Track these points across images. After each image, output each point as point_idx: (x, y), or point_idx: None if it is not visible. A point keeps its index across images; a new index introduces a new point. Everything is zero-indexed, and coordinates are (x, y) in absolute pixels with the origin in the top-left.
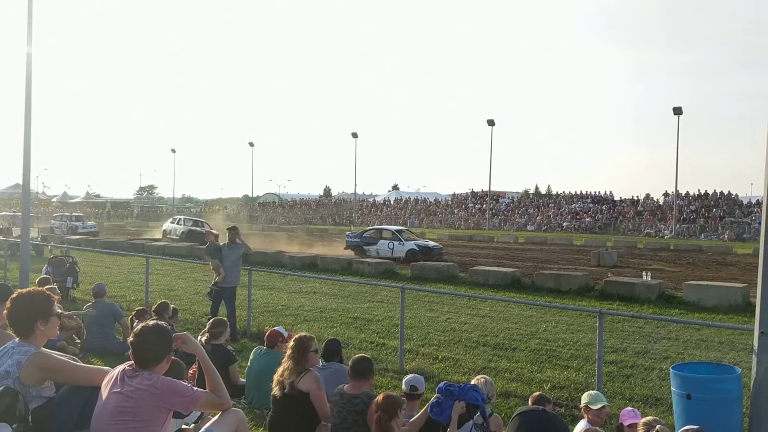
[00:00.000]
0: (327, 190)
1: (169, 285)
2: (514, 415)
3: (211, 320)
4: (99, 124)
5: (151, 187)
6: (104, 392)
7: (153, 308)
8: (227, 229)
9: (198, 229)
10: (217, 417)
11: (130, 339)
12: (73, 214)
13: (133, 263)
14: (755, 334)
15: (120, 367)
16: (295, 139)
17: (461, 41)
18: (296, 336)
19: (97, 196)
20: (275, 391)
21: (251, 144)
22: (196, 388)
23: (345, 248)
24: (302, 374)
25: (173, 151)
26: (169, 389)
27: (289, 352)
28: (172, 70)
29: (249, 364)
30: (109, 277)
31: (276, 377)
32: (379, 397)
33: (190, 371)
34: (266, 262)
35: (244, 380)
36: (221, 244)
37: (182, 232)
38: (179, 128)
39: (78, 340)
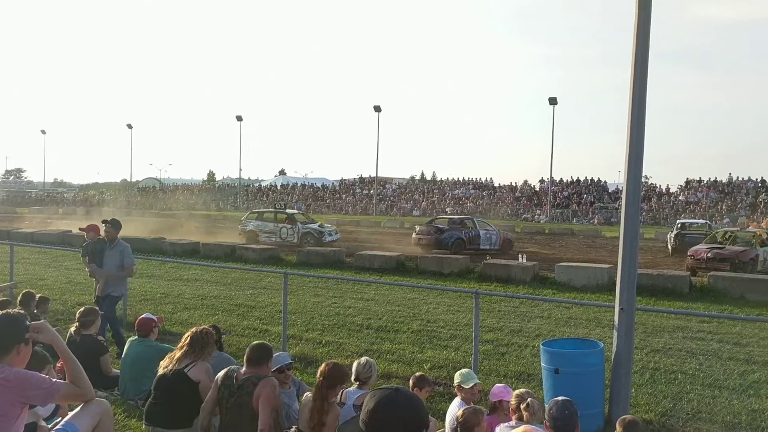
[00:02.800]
0: (211, 175)
1: (38, 274)
2: (367, 394)
3: (81, 309)
4: None
5: (19, 170)
6: None
7: (18, 299)
8: (103, 222)
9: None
10: (78, 409)
11: None
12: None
13: None
14: (615, 310)
15: None
16: (177, 121)
17: (348, 26)
18: (199, 329)
19: None
20: (162, 369)
21: (129, 126)
22: (54, 380)
23: None
24: (194, 363)
25: (43, 132)
26: (24, 381)
27: (187, 340)
28: (41, 43)
29: (123, 354)
30: None
31: (164, 362)
32: (325, 365)
33: (59, 363)
34: (144, 249)
35: (118, 371)
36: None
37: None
38: (50, 108)
39: None
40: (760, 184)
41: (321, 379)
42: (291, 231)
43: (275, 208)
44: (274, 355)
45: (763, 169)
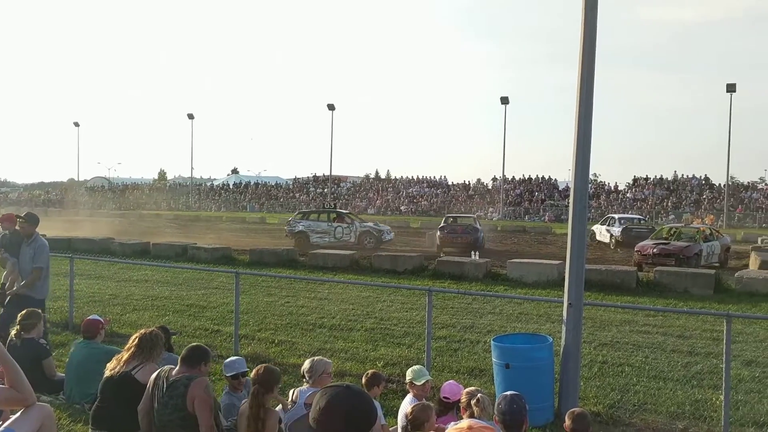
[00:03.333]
0: (162, 174)
1: None
2: (318, 392)
3: (22, 312)
4: None
5: None
6: None
7: None
8: (17, 217)
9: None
10: (19, 414)
11: None
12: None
13: None
14: (564, 305)
15: None
16: (126, 119)
17: (302, 24)
18: (147, 330)
19: None
20: (108, 372)
21: (76, 124)
22: None
23: None
24: (142, 365)
25: None
26: None
27: (135, 342)
28: None
29: (69, 357)
30: None
31: (111, 364)
32: (259, 368)
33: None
34: (93, 250)
35: (63, 375)
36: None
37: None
38: None
39: None
40: (703, 182)
41: (256, 386)
42: (348, 230)
43: (324, 207)
44: (231, 359)
45: (707, 167)
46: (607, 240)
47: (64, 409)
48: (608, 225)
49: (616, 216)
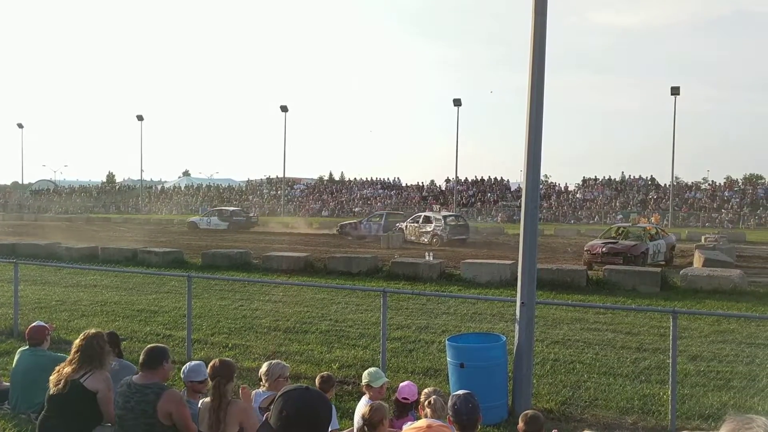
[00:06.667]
0: (110, 177)
1: None
2: (277, 395)
3: None
4: None
5: None
6: None
7: None
8: None
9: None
10: None
11: None
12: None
13: None
14: (517, 304)
15: None
16: (73, 120)
17: (254, 25)
18: (87, 334)
19: None
20: (53, 388)
21: (20, 125)
22: None
23: None
24: (91, 372)
25: None
26: None
27: (78, 347)
28: None
29: (14, 365)
30: None
31: (53, 379)
32: (215, 362)
33: None
34: (38, 254)
35: (8, 384)
36: None
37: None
38: None
39: None
40: (650, 182)
41: (217, 378)
42: None
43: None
44: (196, 364)
45: (653, 168)
46: (426, 240)
47: (9, 419)
48: (422, 222)
49: (439, 215)
